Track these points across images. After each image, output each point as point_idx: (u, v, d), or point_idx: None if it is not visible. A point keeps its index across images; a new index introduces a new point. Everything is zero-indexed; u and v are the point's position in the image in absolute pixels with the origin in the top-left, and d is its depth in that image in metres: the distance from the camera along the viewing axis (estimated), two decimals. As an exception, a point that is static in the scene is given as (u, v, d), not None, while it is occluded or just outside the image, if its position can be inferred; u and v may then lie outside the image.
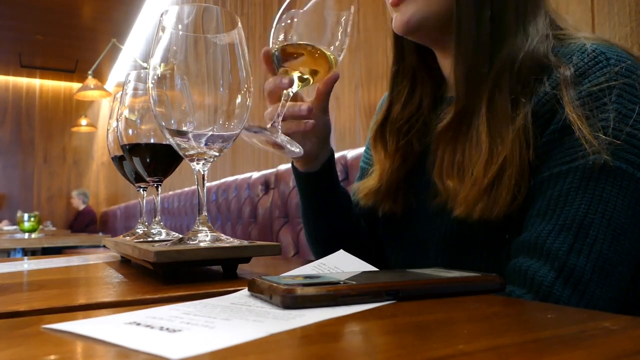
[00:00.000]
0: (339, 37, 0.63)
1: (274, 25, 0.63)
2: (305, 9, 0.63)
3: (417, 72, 0.74)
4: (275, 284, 0.36)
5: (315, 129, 0.69)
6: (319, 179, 0.77)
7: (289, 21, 0.62)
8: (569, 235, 0.51)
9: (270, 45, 0.64)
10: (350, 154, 1.45)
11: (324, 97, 0.71)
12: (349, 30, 0.63)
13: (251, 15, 2.85)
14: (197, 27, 0.53)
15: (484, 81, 0.60)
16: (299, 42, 0.62)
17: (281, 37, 0.62)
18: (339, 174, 1.42)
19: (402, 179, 0.72)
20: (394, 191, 0.71)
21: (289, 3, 0.63)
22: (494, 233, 0.58)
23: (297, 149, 0.64)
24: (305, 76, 0.64)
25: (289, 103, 0.65)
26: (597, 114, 0.53)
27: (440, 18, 0.64)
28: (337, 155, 1.48)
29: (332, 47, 0.62)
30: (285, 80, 0.63)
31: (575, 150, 0.53)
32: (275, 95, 0.66)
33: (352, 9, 0.64)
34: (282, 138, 0.63)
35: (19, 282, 0.55)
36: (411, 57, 0.74)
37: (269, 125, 0.64)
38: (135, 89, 0.75)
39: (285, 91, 0.64)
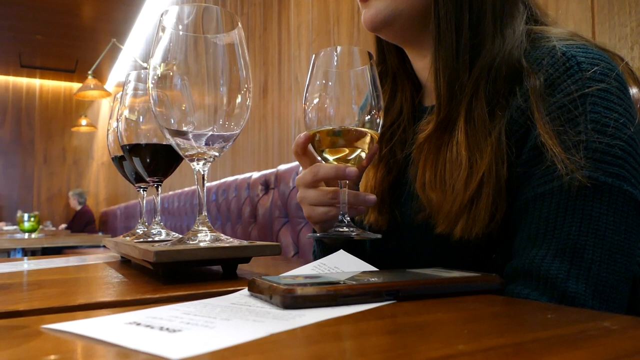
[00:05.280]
0: (370, 96, 0.60)
1: (308, 79, 0.60)
2: (334, 69, 0.60)
3: (397, 76, 0.72)
4: (275, 284, 0.36)
5: (358, 202, 0.66)
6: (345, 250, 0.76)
7: (323, 81, 0.60)
8: (564, 260, 0.49)
9: (304, 100, 0.61)
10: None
11: (362, 171, 0.69)
12: (372, 84, 0.60)
13: (251, 15, 2.85)
14: (197, 27, 0.53)
15: (464, 89, 0.57)
16: (340, 128, 0.59)
17: (315, 100, 0.59)
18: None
19: (386, 191, 0.69)
20: (379, 203, 0.69)
21: (321, 58, 0.60)
22: (479, 253, 0.57)
23: (373, 235, 0.60)
24: (354, 156, 0.61)
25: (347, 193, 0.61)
26: (570, 128, 0.50)
27: (410, 15, 0.62)
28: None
29: (370, 109, 0.59)
30: (353, 169, 0.59)
31: (556, 168, 0.50)
32: (322, 182, 0.63)
33: (370, 62, 0.61)
34: (357, 237, 0.58)
35: (19, 282, 0.55)
36: (391, 59, 0.72)
37: (343, 222, 0.60)
38: (136, 89, 0.75)
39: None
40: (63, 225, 6.51)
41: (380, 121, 0.60)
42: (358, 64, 0.60)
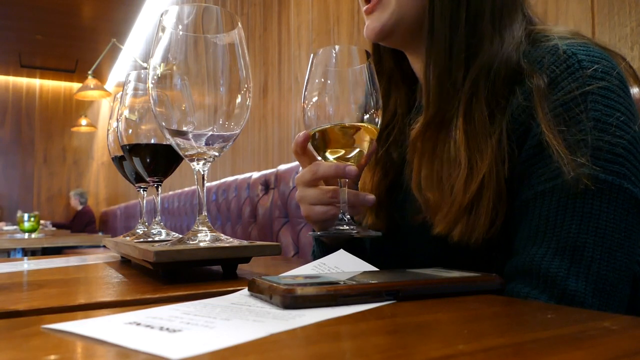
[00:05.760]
0: (368, 94, 0.59)
1: (307, 78, 0.60)
2: (333, 68, 0.60)
3: (392, 76, 0.72)
4: (275, 284, 0.36)
5: (357, 202, 0.65)
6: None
7: (322, 80, 0.60)
8: (564, 258, 0.49)
9: (303, 98, 0.60)
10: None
11: (361, 169, 0.68)
12: (371, 82, 0.60)
13: (251, 15, 2.85)
14: (197, 27, 0.53)
15: (459, 88, 0.57)
16: (339, 125, 0.59)
17: (314, 99, 0.59)
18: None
19: (384, 194, 0.69)
20: (376, 206, 0.68)
21: (319, 57, 0.60)
22: (480, 252, 0.56)
23: (374, 233, 0.60)
24: (354, 154, 0.61)
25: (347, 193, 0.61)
26: (572, 125, 0.51)
27: (412, 22, 0.63)
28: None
29: (368, 108, 0.59)
30: (353, 168, 0.58)
31: (557, 166, 0.50)
32: (322, 181, 0.63)
33: (369, 61, 0.60)
34: (357, 235, 0.58)
35: (19, 282, 0.55)
36: (387, 60, 0.72)
37: (346, 217, 0.60)
38: (136, 89, 0.75)
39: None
40: (42, 221, 6.33)
41: (378, 120, 0.60)
42: (357, 62, 0.60)
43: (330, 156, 0.61)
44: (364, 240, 0.76)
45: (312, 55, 0.61)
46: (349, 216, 0.59)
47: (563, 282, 0.48)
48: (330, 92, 0.59)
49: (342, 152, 0.60)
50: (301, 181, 0.63)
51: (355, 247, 0.80)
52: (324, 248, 0.75)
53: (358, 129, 0.59)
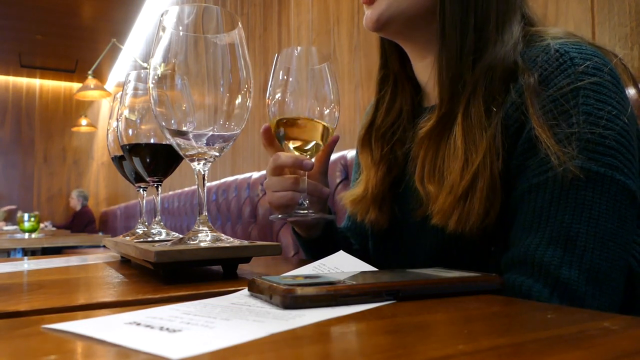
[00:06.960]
0: (328, 92, 0.66)
1: (271, 76, 0.67)
2: (294, 66, 0.67)
3: (398, 79, 0.74)
4: (275, 284, 0.36)
5: (315, 192, 0.72)
6: (321, 243, 0.78)
7: (285, 77, 0.66)
8: (557, 248, 0.50)
9: (268, 95, 0.67)
10: (350, 154, 1.45)
11: (324, 160, 0.75)
12: (330, 81, 0.67)
13: (251, 15, 2.85)
14: (197, 27, 0.53)
15: (466, 88, 0.59)
16: (296, 118, 0.66)
17: (278, 95, 0.66)
18: (338, 174, 1.43)
19: (387, 190, 0.71)
20: (380, 201, 0.71)
21: (283, 57, 0.66)
22: (479, 246, 0.58)
23: (329, 216, 0.70)
24: (310, 146, 0.68)
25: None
26: (562, 120, 0.52)
27: (412, 15, 0.64)
28: (337, 155, 1.48)
29: (328, 104, 0.66)
30: (309, 162, 0.66)
31: (549, 160, 0.51)
32: (283, 171, 0.71)
33: (329, 62, 0.67)
34: (312, 216, 0.67)
35: (19, 282, 0.55)
36: (394, 63, 0.74)
37: (301, 205, 0.68)
38: (136, 89, 0.75)
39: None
40: (42, 224, 6.31)
41: (337, 115, 0.67)
42: (317, 62, 0.67)
43: (290, 146, 0.68)
44: (334, 230, 0.81)
45: (276, 55, 0.67)
46: (307, 202, 0.68)
47: (556, 271, 0.49)
48: (291, 89, 0.66)
49: (300, 142, 0.67)
50: (267, 170, 0.72)
51: (356, 247, 0.81)
52: (302, 241, 0.81)
53: (315, 123, 0.66)
